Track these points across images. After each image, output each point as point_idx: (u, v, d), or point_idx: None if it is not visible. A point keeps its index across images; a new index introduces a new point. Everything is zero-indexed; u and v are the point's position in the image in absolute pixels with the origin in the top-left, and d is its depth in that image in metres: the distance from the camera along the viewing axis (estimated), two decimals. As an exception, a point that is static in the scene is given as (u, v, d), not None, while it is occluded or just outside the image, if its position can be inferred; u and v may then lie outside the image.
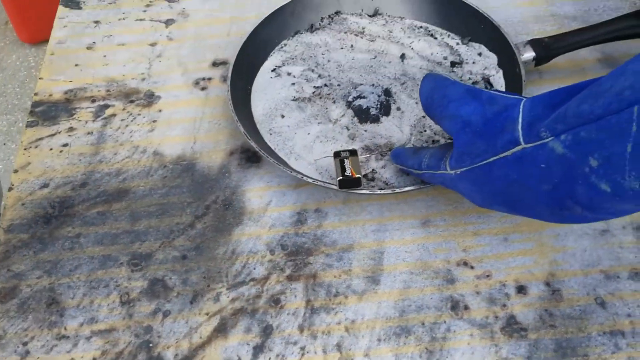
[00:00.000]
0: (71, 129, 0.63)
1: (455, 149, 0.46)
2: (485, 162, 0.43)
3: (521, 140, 0.40)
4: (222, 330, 0.50)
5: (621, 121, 0.34)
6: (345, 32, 0.69)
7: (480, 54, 0.66)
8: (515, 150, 0.41)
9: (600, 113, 0.35)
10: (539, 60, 0.62)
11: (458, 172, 0.46)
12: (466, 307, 0.50)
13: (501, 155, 0.42)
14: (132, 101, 0.65)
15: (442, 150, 0.49)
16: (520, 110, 0.41)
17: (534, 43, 0.62)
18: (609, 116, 0.35)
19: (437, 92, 0.48)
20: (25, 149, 0.61)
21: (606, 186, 0.36)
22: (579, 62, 0.66)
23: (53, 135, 0.62)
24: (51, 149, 0.61)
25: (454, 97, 0.47)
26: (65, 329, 0.50)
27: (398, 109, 0.62)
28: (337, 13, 0.70)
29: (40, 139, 0.62)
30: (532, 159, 0.40)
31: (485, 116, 0.44)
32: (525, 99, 0.43)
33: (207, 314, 0.50)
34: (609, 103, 0.35)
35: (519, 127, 0.41)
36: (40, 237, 0.55)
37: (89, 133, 0.62)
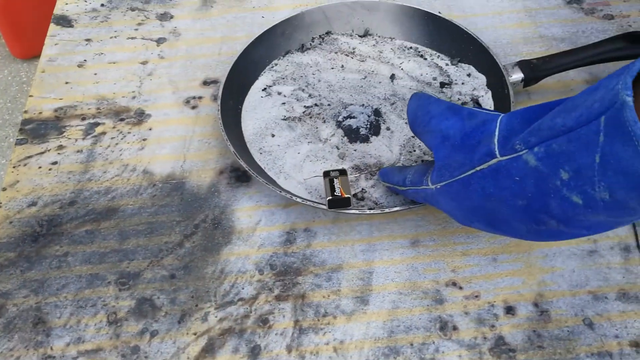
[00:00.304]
0: (61, 147, 0.62)
1: (435, 164, 0.46)
2: (463, 175, 0.43)
3: (497, 153, 0.41)
4: (209, 350, 0.49)
5: (590, 132, 0.34)
6: (336, 52, 0.69)
7: (469, 75, 0.66)
8: (492, 163, 0.41)
9: (571, 125, 0.35)
10: (527, 81, 0.63)
11: (438, 187, 0.46)
12: (455, 328, 0.50)
13: (478, 168, 0.42)
14: (122, 119, 0.65)
15: (426, 166, 0.49)
16: (497, 124, 0.42)
17: (523, 64, 0.63)
18: (579, 128, 0.35)
19: (421, 110, 0.49)
20: (14, 167, 0.61)
21: (577, 198, 0.36)
22: (567, 83, 0.67)
23: (42, 153, 0.62)
24: (40, 167, 0.61)
25: (436, 113, 0.47)
26: (51, 349, 0.49)
27: (388, 128, 0.62)
28: (328, 33, 0.71)
29: (30, 156, 0.62)
30: (507, 171, 0.40)
31: (463, 130, 0.44)
32: (503, 115, 0.43)
33: (195, 333, 0.50)
34: (580, 115, 0.35)
35: (495, 140, 0.41)
36: (27, 256, 0.55)
37: (78, 151, 0.62)
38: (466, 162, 0.43)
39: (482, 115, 0.44)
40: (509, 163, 0.40)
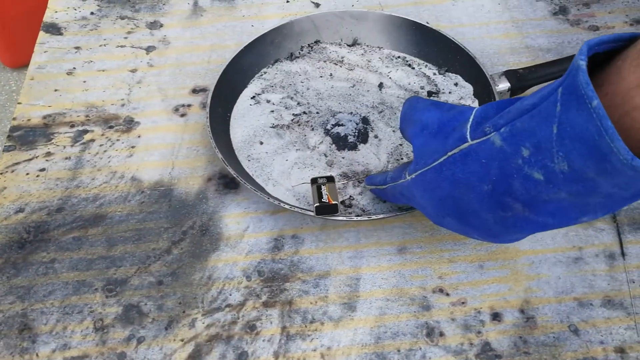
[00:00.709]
0: (49, 153, 0.62)
1: (414, 154, 0.47)
2: (436, 162, 0.43)
3: (468, 137, 0.41)
4: (196, 356, 0.49)
5: (549, 104, 0.35)
6: (325, 61, 0.70)
7: (456, 84, 0.67)
8: (463, 147, 0.41)
9: (534, 102, 0.36)
10: (514, 91, 0.64)
11: (413, 176, 0.46)
12: (441, 334, 0.50)
13: (450, 154, 0.42)
14: (111, 127, 0.65)
15: (407, 164, 0.50)
16: (473, 112, 0.43)
17: (509, 74, 0.64)
18: (541, 104, 0.35)
19: (409, 108, 0.50)
20: (1, 174, 0.61)
21: (539, 174, 0.36)
22: (552, 92, 0.68)
23: (30, 160, 0.62)
24: (28, 174, 0.61)
25: (420, 107, 0.49)
26: (37, 355, 0.49)
27: (376, 136, 0.62)
28: (317, 42, 0.71)
29: (17, 163, 0.62)
30: (476, 155, 0.40)
31: (441, 119, 0.45)
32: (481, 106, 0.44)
33: (182, 340, 0.50)
34: (543, 91, 0.36)
35: (468, 126, 0.42)
36: (14, 262, 0.55)
37: (66, 158, 0.62)
38: (439, 149, 0.43)
39: (461, 107, 0.45)
40: (478, 146, 0.40)
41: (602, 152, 0.32)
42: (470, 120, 0.42)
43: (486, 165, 0.39)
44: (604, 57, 0.35)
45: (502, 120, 0.38)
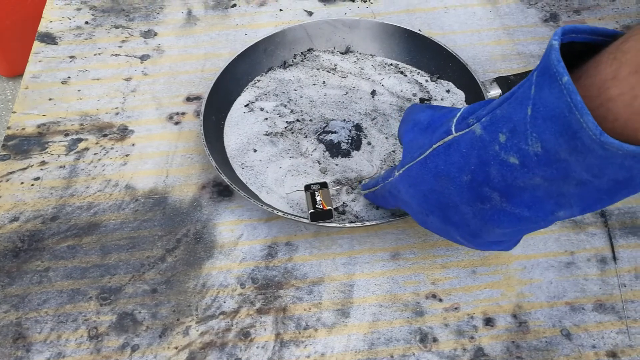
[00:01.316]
0: (43, 162, 0.63)
1: (402, 151, 0.48)
2: (422, 156, 0.44)
3: (453, 130, 0.42)
4: (190, 364, 0.49)
5: (524, 89, 0.35)
6: (318, 69, 0.70)
7: (448, 91, 0.67)
8: (447, 139, 0.42)
9: (513, 90, 0.37)
10: (505, 97, 0.64)
11: (401, 172, 0.47)
12: (435, 340, 0.51)
13: (434, 146, 0.43)
14: (105, 135, 0.65)
15: (398, 164, 0.50)
16: (461, 109, 0.44)
17: (501, 80, 0.64)
18: (518, 90, 0.36)
19: (406, 114, 0.51)
20: (-4, 183, 0.61)
21: (514, 158, 0.37)
22: (544, 99, 0.68)
23: (25, 169, 0.62)
24: (22, 183, 0.61)
25: (415, 110, 0.50)
26: (31, 364, 0.49)
27: (369, 143, 0.63)
28: (310, 50, 0.72)
29: (12, 172, 0.62)
30: (457, 145, 0.41)
31: (432, 117, 0.47)
32: None
33: (176, 348, 0.50)
34: (522, 82, 0.36)
35: (454, 120, 0.42)
36: (8, 271, 0.55)
37: (61, 167, 0.62)
38: (426, 143, 0.44)
39: (452, 107, 0.47)
40: (461, 137, 0.41)
41: (572, 128, 0.32)
42: (458, 115, 0.43)
43: (466, 155, 0.40)
44: (585, 53, 0.35)
45: (484, 112, 0.40)
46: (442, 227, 0.46)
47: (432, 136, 0.44)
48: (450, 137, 0.42)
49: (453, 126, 0.42)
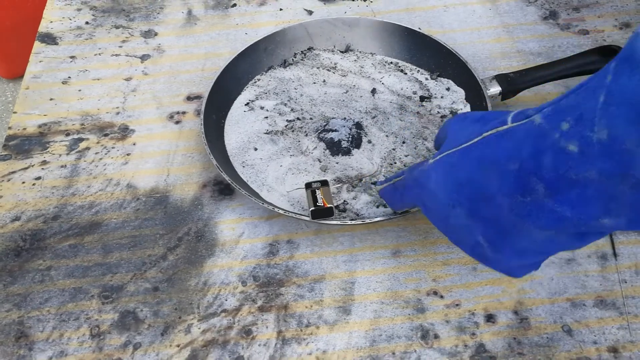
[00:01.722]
0: (45, 162, 0.63)
1: (446, 139, 0.46)
2: (469, 143, 0.43)
3: (509, 120, 0.41)
4: (192, 362, 0.49)
5: (599, 78, 0.34)
6: (318, 68, 0.71)
7: (448, 89, 0.68)
8: (500, 129, 0.41)
9: (583, 83, 0.36)
10: (505, 95, 0.64)
11: (438, 158, 0.45)
12: (436, 336, 0.51)
13: (485, 135, 0.42)
14: (106, 134, 0.65)
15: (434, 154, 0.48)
16: (515, 110, 0.42)
17: (500, 78, 0.64)
18: (589, 82, 0.35)
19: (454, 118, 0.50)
20: (-3, 182, 0.61)
21: (574, 146, 0.35)
22: (544, 95, 0.68)
23: (26, 168, 0.62)
24: (24, 182, 0.61)
25: (468, 113, 0.49)
26: (33, 362, 0.50)
27: (369, 141, 0.63)
28: (310, 49, 0.72)
29: (13, 172, 0.62)
30: (512, 134, 0.40)
31: (486, 114, 0.45)
32: None
33: (178, 345, 0.50)
34: (596, 74, 0.35)
35: (512, 114, 0.41)
36: (10, 270, 0.55)
37: (62, 166, 0.63)
38: (476, 132, 0.43)
39: (507, 111, 0.44)
40: (517, 127, 0.39)
41: None
42: (515, 111, 0.41)
43: (519, 143, 0.39)
44: None
45: (547, 104, 0.38)
46: (465, 224, 0.43)
47: (484, 126, 0.42)
48: (504, 127, 0.40)
49: (510, 117, 0.41)
